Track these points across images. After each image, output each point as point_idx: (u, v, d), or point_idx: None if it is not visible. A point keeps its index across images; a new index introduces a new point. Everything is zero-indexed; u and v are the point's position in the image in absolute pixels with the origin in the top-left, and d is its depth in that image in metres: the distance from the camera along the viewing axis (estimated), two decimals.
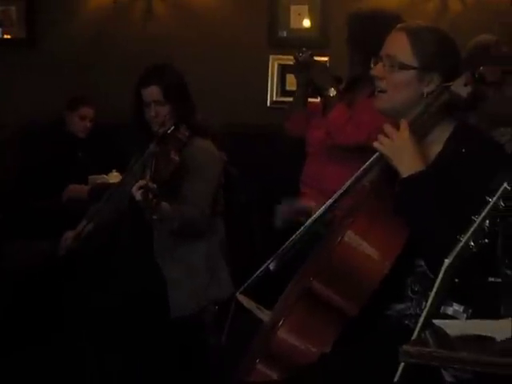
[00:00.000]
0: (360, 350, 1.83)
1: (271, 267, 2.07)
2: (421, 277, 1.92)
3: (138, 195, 2.66)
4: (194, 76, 3.13)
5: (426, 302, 1.58)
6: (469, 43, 3.01)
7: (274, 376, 1.87)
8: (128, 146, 3.11)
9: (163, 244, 2.95)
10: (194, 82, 3.08)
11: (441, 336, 1.52)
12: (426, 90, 1.96)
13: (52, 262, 3.20)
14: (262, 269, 2.11)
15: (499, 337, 1.48)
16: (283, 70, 4.41)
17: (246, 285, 2.17)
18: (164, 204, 2.70)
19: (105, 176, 3.98)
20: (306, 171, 3.10)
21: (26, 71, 4.72)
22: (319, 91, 3.10)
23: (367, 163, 1.98)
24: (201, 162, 2.93)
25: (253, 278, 2.15)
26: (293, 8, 4.42)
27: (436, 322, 1.56)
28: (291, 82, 4.12)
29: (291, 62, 3.20)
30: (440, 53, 1.96)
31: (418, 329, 1.55)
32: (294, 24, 4.42)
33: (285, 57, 4.23)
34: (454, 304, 1.75)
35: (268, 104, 4.46)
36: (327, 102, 3.03)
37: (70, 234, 3.10)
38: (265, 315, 2.11)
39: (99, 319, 2.80)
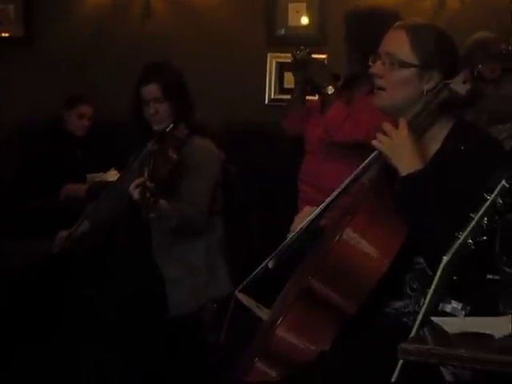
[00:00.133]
0: (358, 348, 1.83)
1: (270, 265, 2.07)
2: (419, 274, 1.92)
3: (135, 194, 2.66)
4: (192, 74, 3.12)
5: (425, 299, 1.58)
6: (467, 41, 3.01)
7: (273, 374, 1.87)
8: (126, 144, 3.10)
9: (161, 242, 2.95)
10: (192, 80, 3.08)
11: (439, 333, 1.52)
12: (426, 87, 1.96)
13: (49, 261, 3.20)
14: (260, 267, 2.11)
15: (498, 334, 1.48)
16: (281, 67, 4.40)
17: (244, 283, 2.17)
18: (162, 202, 2.69)
19: (103, 174, 3.98)
20: (305, 169, 3.10)
21: (23, 69, 4.71)
22: (317, 89, 3.09)
23: (366, 161, 1.98)
24: (199, 160, 2.93)
25: (252, 276, 2.15)
26: (291, 6, 4.41)
27: (434, 319, 1.57)
28: (289, 80, 4.11)
29: (289, 60, 3.20)
30: (439, 50, 1.96)
31: (416, 326, 1.55)
32: (291, 22, 4.41)
33: (283, 54, 4.22)
34: (453, 301, 1.75)
35: (266, 102, 4.45)
36: (325, 100, 3.02)
37: (64, 233, 3.10)
38: (264, 313, 2.11)
39: (97, 318, 2.80)
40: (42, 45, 4.72)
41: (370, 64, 2.02)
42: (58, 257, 3.13)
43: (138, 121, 3.00)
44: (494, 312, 1.58)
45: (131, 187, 2.69)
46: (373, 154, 1.96)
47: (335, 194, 2.01)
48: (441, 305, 1.73)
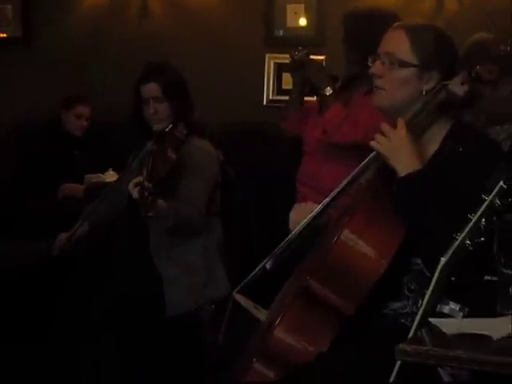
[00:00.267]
0: (356, 349, 1.83)
1: (268, 266, 2.07)
2: (417, 275, 1.92)
3: (134, 192, 2.67)
4: (190, 74, 3.12)
5: (423, 300, 1.58)
6: (465, 42, 3.01)
7: (271, 375, 1.87)
8: (124, 144, 3.10)
9: (159, 242, 2.95)
10: (190, 81, 3.08)
11: (437, 334, 1.52)
12: (426, 87, 1.96)
13: (46, 261, 3.19)
14: (258, 268, 2.11)
15: (495, 335, 1.48)
16: (279, 68, 4.40)
17: (242, 284, 2.17)
18: (160, 202, 2.70)
19: (100, 175, 3.97)
20: (303, 170, 3.10)
21: (21, 70, 4.71)
22: (315, 90, 3.09)
23: (364, 162, 1.98)
24: (198, 161, 2.93)
25: (250, 277, 2.15)
26: (289, 7, 4.41)
27: (432, 320, 1.57)
28: (287, 81, 4.11)
29: (287, 61, 3.20)
30: (439, 50, 1.97)
31: (414, 327, 1.55)
32: (290, 23, 4.42)
33: (281, 55, 4.23)
34: (451, 302, 1.75)
35: (264, 103, 4.45)
36: (323, 101, 3.03)
37: (63, 235, 3.10)
38: (262, 314, 2.10)
39: (95, 318, 2.80)
40: (39, 45, 4.72)
41: (370, 64, 2.02)
42: (56, 257, 3.13)
43: (138, 120, 3.01)
44: (491, 313, 1.58)
45: (130, 186, 2.71)
46: (371, 155, 1.96)
47: (334, 193, 2.01)
48: (439, 306, 1.74)
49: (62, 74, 4.62)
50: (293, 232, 2.07)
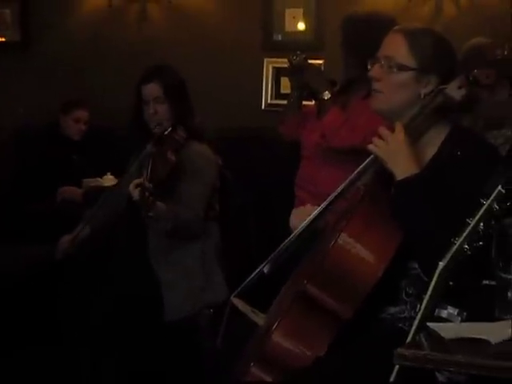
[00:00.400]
0: (354, 353, 1.82)
1: (265, 270, 2.06)
2: (415, 279, 1.92)
3: (135, 193, 2.68)
4: (188, 78, 3.12)
5: (421, 304, 1.57)
6: (463, 46, 3.01)
7: (269, 379, 1.86)
8: (123, 148, 3.10)
9: (158, 246, 2.95)
10: (188, 85, 3.08)
11: (435, 339, 1.52)
12: (424, 91, 1.96)
13: (45, 266, 3.19)
14: (256, 272, 2.11)
15: (494, 340, 1.48)
16: (278, 72, 4.40)
17: (240, 288, 2.17)
18: (159, 204, 2.71)
19: (99, 179, 3.98)
20: (301, 174, 3.10)
21: (20, 74, 4.71)
22: (314, 94, 3.10)
23: (361, 166, 1.97)
24: (198, 165, 2.94)
25: (247, 281, 2.14)
26: (287, 11, 4.42)
27: (430, 324, 1.56)
28: (286, 85, 4.11)
29: (286, 65, 3.20)
30: (437, 54, 1.97)
31: (412, 332, 1.54)
32: (288, 27, 4.42)
33: (279, 60, 4.23)
34: (449, 307, 1.74)
35: (263, 107, 4.45)
36: (322, 106, 3.03)
37: (66, 238, 3.09)
38: (260, 318, 2.10)
39: (94, 323, 2.79)
40: (38, 49, 4.72)
41: (369, 68, 2.02)
42: (55, 262, 3.12)
43: (138, 123, 3.01)
44: (490, 317, 1.58)
45: (131, 187, 2.72)
46: (368, 159, 1.96)
47: (331, 197, 2.01)
48: (437, 310, 1.73)
49: (61, 79, 4.62)
50: (290, 236, 2.06)
